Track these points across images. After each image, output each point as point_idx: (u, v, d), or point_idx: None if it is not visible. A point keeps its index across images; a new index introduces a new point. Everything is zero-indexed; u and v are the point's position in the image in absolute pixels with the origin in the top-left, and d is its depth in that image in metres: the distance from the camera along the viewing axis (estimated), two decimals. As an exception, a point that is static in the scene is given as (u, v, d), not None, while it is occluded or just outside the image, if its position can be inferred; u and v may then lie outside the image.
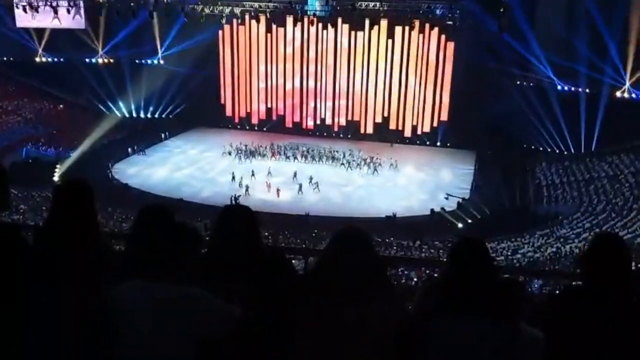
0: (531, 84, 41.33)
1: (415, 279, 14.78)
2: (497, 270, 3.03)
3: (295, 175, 35.15)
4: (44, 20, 40.15)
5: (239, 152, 40.06)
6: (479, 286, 2.66)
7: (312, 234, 26.61)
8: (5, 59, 47.91)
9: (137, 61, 47.73)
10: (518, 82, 41.48)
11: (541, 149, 40.75)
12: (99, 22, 43.91)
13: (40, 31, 45.26)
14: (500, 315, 2.65)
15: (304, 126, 45.32)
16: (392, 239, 26.78)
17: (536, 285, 12.73)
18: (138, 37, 44.62)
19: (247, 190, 33.00)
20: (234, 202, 30.60)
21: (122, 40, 45.13)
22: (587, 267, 2.97)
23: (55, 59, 48.16)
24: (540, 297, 7.66)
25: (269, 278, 2.94)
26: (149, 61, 48.61)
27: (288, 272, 3.01)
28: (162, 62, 48.31)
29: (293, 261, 5.34)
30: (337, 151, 39.90)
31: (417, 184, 36.09)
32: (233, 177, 34.53)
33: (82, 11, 39.45)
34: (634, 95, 39.20)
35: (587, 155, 37.83)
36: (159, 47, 47.47)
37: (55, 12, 38.34)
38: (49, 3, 37.95)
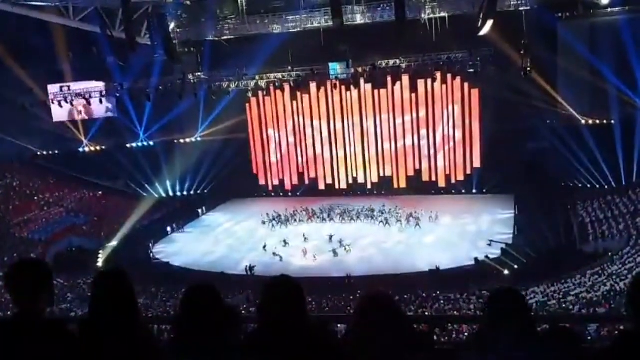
0: (561, 120, 40.77)
1: (466, 334, 14.34)
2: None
3: (330, 238, 35.06)
4: (78, 113, 41.76)
5: (274, 219, 40.27)
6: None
7: (356, 295, 26.18)
8: (45, 152, 49.88)
9: (175, 141, 49.20)
10: (548, 121, 41.11)
11: (580, 185, 39.91)
12: (140, 108, 45.36)
13: (85, 122, 46.89)
14: None
15: (336, 187, 45.46)
16: (438, 292, 26.22)
17: (593, 328, 12.18)
18: (178, 120, 46.15)
19: (281, 258, 33.08)
20: (249, 272, 30.83)
21: (164, 124, 46.66)
22: (631, 309, 2.81)
23: (99, 147, 49.78)
24: (599, 343, 7.33)
25: (315, 351, 2.91)
26: (186, 140, 49.84)
27: (332, 345, 2.97)
28: (199, 139, 49.55)
29: (338, 325, 5.30)
30: (373, 209, 39.78)
31: (458, 234, 35.52)
32: (264, 248, 34.68)
33: (113, 100, 40.88)
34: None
35: (629, 187, 36.80)
36: (199, 125, 48.66)
37: (89, 103, 39.88)
38: (81, 96, 39.60)
